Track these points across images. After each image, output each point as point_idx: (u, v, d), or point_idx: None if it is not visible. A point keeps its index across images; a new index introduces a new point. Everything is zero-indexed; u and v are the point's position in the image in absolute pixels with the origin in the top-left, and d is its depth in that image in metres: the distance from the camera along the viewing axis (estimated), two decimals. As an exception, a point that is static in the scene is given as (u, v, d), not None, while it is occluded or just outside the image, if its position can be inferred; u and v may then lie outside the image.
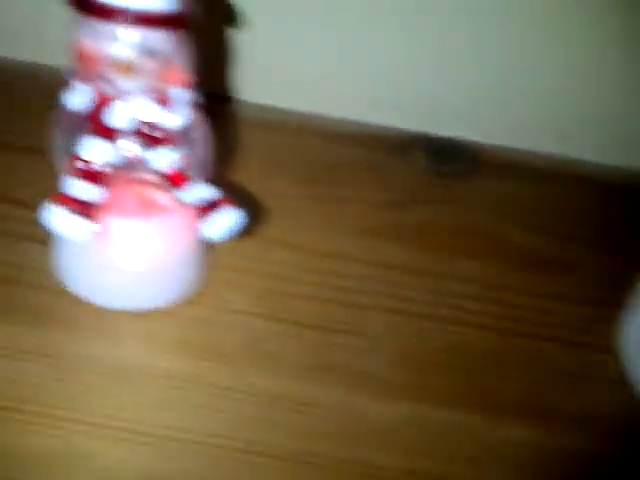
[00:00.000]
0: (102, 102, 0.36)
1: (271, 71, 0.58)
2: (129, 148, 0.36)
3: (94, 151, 0.36)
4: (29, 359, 0.39)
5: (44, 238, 0.44)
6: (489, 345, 0.45)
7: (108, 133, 0.36)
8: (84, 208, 0.36)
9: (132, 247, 0.41)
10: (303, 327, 0.44)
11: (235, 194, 0.39)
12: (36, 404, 0.37)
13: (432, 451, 0.38)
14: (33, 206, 0.45)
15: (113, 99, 0.35)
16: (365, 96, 0.59)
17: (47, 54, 0.56)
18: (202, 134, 0.39)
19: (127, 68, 0.34)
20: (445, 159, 0.57)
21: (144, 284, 0.42)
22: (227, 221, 0.38)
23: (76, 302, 0.42)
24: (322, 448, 0.38)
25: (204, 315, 0.44)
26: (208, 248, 0.44)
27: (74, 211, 0.36)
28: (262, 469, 0.36)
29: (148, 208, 0.40)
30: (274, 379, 0.41)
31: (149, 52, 0.34)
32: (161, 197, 0.40)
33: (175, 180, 0.37)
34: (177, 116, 0.37)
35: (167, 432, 0.37)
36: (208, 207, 0.37)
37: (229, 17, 0.53)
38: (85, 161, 0.36)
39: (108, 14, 0.33)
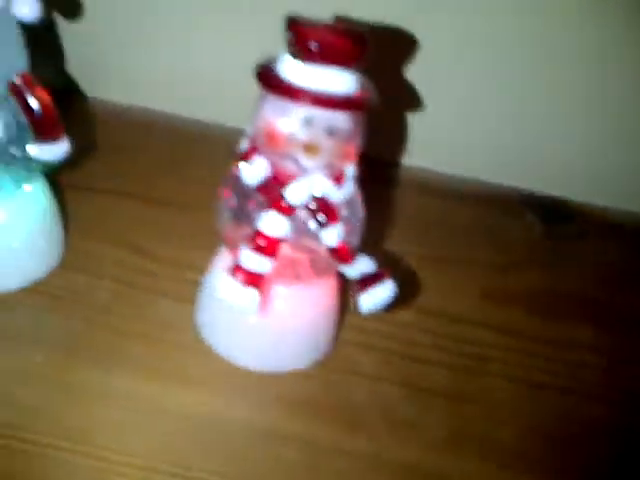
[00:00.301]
0: (280, 178, 0.36)
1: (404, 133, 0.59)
2: (302, 222, 0.37)
3: (271, 225, 0.36)
4: (166, 418, 0.40)
5: (189, 296, 0.45)
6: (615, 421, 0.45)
7: (285, 208, 0.36)
8: (255, 279, 0.37)
9: (281, 311, 0.42)
10: (433, 395, 0.44)
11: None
12: (171, 463, 0.38)
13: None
14: (180, 264, 0.48)
15: (292, 176, 0.36)
16: (482, 156, 0.60)
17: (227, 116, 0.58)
18: (361, 207, 0.40)
19: (312, 148, 0.35)
20: (559, 221, 0.58)
21: (287, 346, 0.43)
22: (385, 294, 0.38)
23: (218, 361, 0.43)
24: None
25: (335, 378, 0.44)
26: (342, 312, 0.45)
27: (245, 282, 0.37)
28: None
29: (297, 275, 0.41)
30: (407, 448, 0.41)
31: (332, 132, 0.35)
32: (309, 265, 0.41)
33: (343, 255, 0.38)
34: (346, 191, 0.37)
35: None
36: (368, 280, 0.38)
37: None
38: (261, 234, 0.36)
39: (298, 95, 0.34)
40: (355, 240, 0.40)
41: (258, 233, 0.37)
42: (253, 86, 0.36)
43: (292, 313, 0.42)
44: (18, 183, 0.43)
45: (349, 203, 0.39)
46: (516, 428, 0.43)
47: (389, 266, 0.39)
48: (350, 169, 0.38)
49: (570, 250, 0.57)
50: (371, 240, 0.49)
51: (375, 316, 0.47)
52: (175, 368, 0.43)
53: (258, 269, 0.37)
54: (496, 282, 0.53)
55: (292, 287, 0.41)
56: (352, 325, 0.47)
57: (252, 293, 0.37)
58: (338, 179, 0.37)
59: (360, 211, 0.40)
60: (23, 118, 0.40)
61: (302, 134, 0.35)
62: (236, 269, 0.37)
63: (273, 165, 0.37)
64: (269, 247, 0.37)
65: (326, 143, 0.35)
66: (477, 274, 0.53)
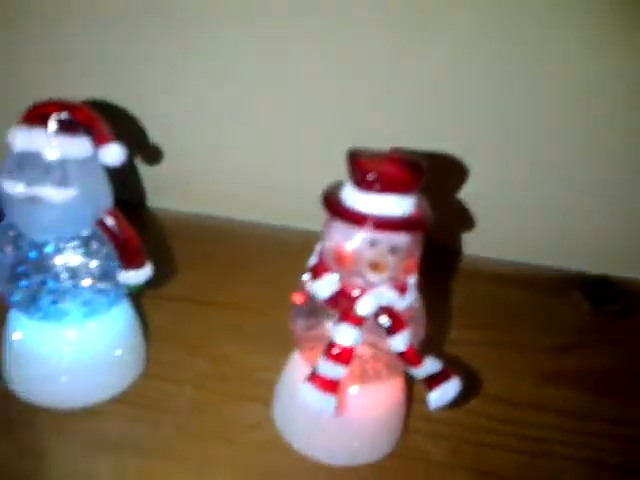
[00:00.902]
0: (348, 291, 0.40)
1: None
2: (372, 332, 0.41)
3: (343, 336, 0.40)
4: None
5: (264, 397, 0.49)
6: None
7: (356, 320, 0.40)
8: (331, 385, 0.40)
9: (354, 409, 0.45)
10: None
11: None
12: None
13: None
14: (253, 367, 0.51)
15: (360, 290, 0.40)
16: (525, 239, 0.64)
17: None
18: (423, 312, 0.43)
19: (377, 265, 0.39)
20: (604, 299, 0.61)
21: (360, 441, 0.46)
22: (452, 391, 0.41)
23: (298, 458, 0.47)
24: None
25: (407, 467, 0.47)
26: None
27: (323, 388, 0.40)
28: None
29: (366, 376, 0.44)
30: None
31: (394, 250, 0.39)
32: (376, 366, 0.44)
33: (411, 359, 0.41)
34: (410, 299, 0.41)
35: None
36: (435, 379, 0.41)
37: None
38: (335, 345, 0.40)
39: (361, 221, 0.38)
40: (419, 340, 0.43)
41: (332, 344, 0.40)
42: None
43: (365, 410, 0.45)
44: (106, 306, 0.47)
45: (413, 309, 0.42)
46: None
47: (451, 361, 0.42)
48: (412, 279, 0.41)
49: (618, 326, 0.59)
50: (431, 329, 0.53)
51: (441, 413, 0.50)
52: (259, 466, 0.46)
53: (334, 376, 0.40)
54: (551, 364, 0.55)
55: (365, 386, 0.44)
56: (418, 415, 0.50)
57: (330, 398, 0.40)
58: (402, 289, 0.41)
59: (423, 315, 0.43)
60: (111, 251, 0.45)
61: (368, 254, 0.39)
62: (314, 377, 0.40)
63: (342, 280, 0.41)
64: (343, 356, 0.40)
65: (390, 260, 0.39)
66: (531, 356, 0.56)
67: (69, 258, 0.44)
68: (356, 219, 0.38)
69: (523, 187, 0.63)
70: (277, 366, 0.49)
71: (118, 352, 0.49)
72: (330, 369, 0.40)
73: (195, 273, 0.61)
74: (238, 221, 0.68)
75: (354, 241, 0.39)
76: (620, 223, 0.63)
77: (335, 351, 0.40)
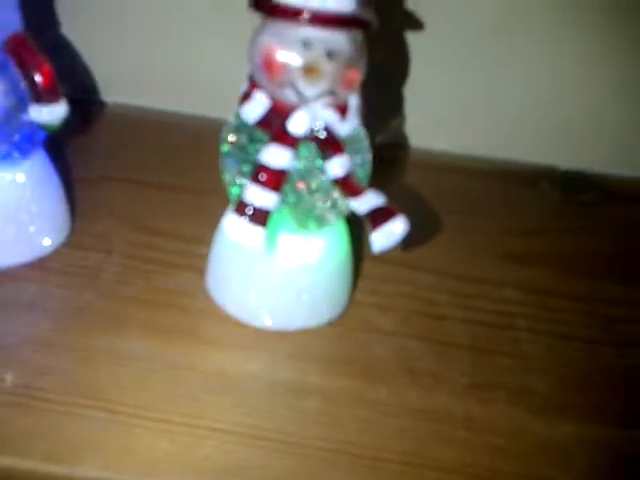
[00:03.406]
0: (281, 110, 0.36)
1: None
2: (305, 155, 0.36)
3: (273, 157, 0.35)
4: (183, 375, 0.39)
5: (199, 268, 0.44)
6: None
7: (287, 140, 0.35)
8: (259, 215, 0.36)
9: (293, 262, 0.40)
10: (457, 348, 0.43)
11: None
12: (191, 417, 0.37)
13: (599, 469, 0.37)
14: (190, 240, 0.47)
15: (293, 107, 0.35)
16: (496, 131, 0.59)
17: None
18: (367, 142, 0.39)
19: (312, 70, 0.34)
20: (574, 191, 0.57)
21: (301, 302, 0.41)
22: (397, 229, 0.37)
23: (230, 322, 0.42)
24: (487, 462, 0.36)
25: (352, 335, 0.43)
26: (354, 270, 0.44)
27: (250, 219, 0.36)
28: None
29: (310, 222, 0.39)
30: (431, 396, 0.39)
31: (332, 54, 0.34)
32: (323, 211, 0.39)
33: (349, 188, 0.36)
34: (350, 123, 0.37)
35: (321, 444, 0.36)
36: (380, 216, 0.37)
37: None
38: (264, 168, 0.35)
39: (294, 15, 0.34)
40: (364, 177, 0.38)
41: (261, 167, 0.36)
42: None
43: (301, 258, 0.40)
44: (20, 153, 0.42)
45: (354, 137, 0.38)
46: (546, 376, 0.41)
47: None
48: (354, 100, 0.37)
49: (591, 214, 0.55)
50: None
51: (390, 278, 0.46)
52: (187, 329, 0.41)
53: (263, 204, 0.36)
54: (517, 246, 0.51)
55: (303, 236, 0.40)
56: (367, 289, 0.45)
57: (258, 229, 0.36)
58: (342, 111, 0.36)
59: (367, 147, 0.38)
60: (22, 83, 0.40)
61: (301, 57, 0.34)
62: (241, 206, 0.36)
63: (273, 99, 0.36)
64: (272, 180, 0.35)
65: (326, 66, 0.34)
66: (497, 239, 0.52)
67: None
68: (287, 12, 0.34)
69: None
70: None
71: (33, 208, 0.44)
72: (258, 195, 0.36)
73: (141, 158, 0.55)
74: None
75: (286, 44, 0.34)
76: (594, 117, 0.58)
77: (263, 175, 0.36)
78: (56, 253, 0.46)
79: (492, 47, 0.57)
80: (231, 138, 0.38)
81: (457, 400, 0.39)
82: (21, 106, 0.40)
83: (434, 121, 0.60)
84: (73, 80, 0.60)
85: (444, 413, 0.38)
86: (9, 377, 0.38)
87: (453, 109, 0.59)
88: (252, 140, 0.37)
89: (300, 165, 0.37)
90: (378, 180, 0.39)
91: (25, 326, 0.41)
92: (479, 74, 0.58)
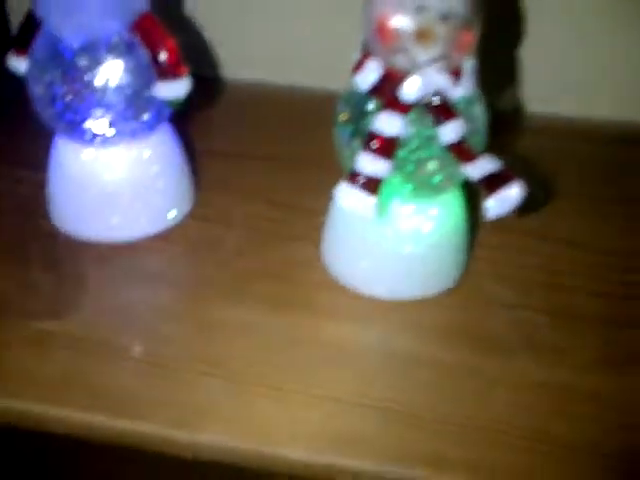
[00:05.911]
0: (394, 77, 0.35)
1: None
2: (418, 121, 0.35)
3: (386, 125, 0.35)
4: (299, 345, 0.39)
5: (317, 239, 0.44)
6: None
7: (400, 107, 0.35)
8: (371, 183, 0.35)
9: (405, 231, 0.40)
10: (584, 321, 0.41)
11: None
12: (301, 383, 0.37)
13: None
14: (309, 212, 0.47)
15: (406, 73, 0.35)
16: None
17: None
18: (482, 106, 0.37)
19: (425, 34, 0.33)
20: None
21: (414, 271, 0.41)
22: (513, 194, 0.35)
23: (344, 294, 0.42)
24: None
25: (470, 305, 0.42)
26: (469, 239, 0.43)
27: (362, 187, 0.35)
28: (547, 458, 0.34)
29: (423, 190, 0.39)
30: (552, 370, 0.38)
31: (446, 17, 0.33)
32: (436, 178, 0.38)
33: (463, 153, 0.35)
34: (464, 87, 0.35)
35: (432, 415, 0.36)
36: (495, 182, 0.35)
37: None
38: (376, 135, 0.35)
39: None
40: (479, 142, 0.37)
41: (373, 134, 0.35)
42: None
43: (413, 227, 0.40)
44: (146, 128, 0.44)
45: (469, 102, 0.37)
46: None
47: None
48: (469, 64, 0.36)
49: None
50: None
51: (511, 247, 0.44)
52: (304, 301, 0.42)
53: (375, 172, 0.35)
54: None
55: (416, 204, 0.39)
56: (484, 257, 0.44)
57: (370, 198, 0.35)
58: (456, 74, 0.35)
59: (482, 112, 0.37)
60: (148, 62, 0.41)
61: (414, 22, 0.33)
62: (353, 175, 0.36)
63: (386, 67, 0.35)
64: (385, 148, 0.35)
65: (440, 29, 0.33)
66: (628, 209, 0.49)
67: (105, 71, 0.41)
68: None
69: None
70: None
71: (159, 182, 0.46)
72: (370, 164, 0.35)
73: (260, 133, 0.56)
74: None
75: (399, 7, 0.33)
76: None
77: (375, 143, 0.35)
78: (180, 225, 0.47)
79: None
80: (344, 108, 0.38)
81: (583, 375, 0.37)
82: (148, 85, 0.42)
83: (561, 85, 0.57)
84: (196, 57, 0.62)
85: (568, 388, 0.37)
86: (137, 348, 0.40)
87: (587, 72, 0.56)
88: (365, 109, 0.37)
89: (413, 132, 0.36)
90: (496, 146, 0.38)
91: (150, 296, 0.43)
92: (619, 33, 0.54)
